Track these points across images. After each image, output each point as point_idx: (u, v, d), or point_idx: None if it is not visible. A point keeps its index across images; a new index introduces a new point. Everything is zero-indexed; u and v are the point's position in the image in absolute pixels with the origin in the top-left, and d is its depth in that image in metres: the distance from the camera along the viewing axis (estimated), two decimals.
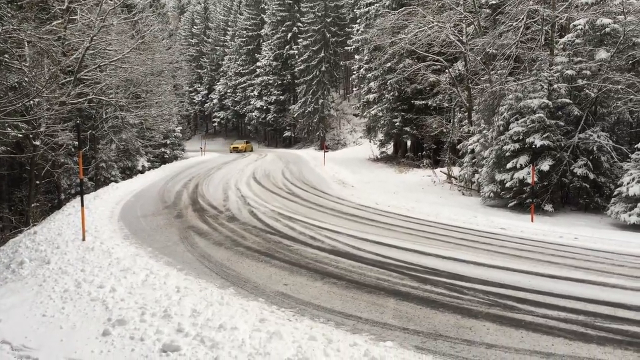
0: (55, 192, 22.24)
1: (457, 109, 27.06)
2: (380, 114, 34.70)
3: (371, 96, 35.80)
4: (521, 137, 16.21)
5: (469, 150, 21.08)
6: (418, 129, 30.62)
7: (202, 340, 5.66)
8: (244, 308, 6.77)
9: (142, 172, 29.77)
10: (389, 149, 38.46)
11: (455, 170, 23.85)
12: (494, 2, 23.02)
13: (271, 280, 8.23)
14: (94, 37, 16.82)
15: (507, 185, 16.37)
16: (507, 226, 13.19)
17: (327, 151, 39.09)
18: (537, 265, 9.02)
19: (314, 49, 55.72)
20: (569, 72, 16.44)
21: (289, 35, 62.11)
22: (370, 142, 39.29)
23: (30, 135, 17.17)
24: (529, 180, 15.43)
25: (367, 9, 37.04)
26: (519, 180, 15.96)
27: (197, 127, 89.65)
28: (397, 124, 32.69)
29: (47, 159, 18.97)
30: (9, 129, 15.41)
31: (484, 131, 19.29)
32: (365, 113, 37.79)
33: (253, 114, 65.19)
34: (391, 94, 32.57)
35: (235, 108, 72.16)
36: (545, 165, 15.68)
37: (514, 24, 19.55)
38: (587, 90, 16.45)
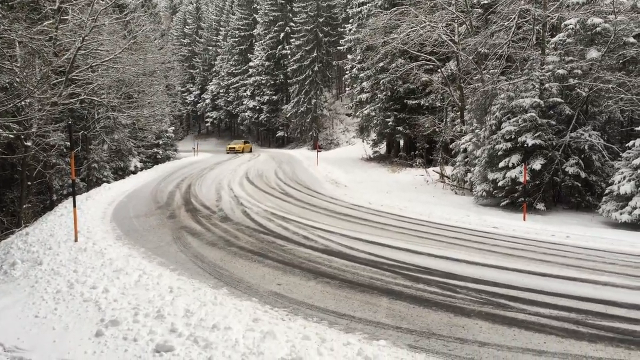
0: (47, 193, 22.12)
1: (449, 108, 27.14)
2: (373, 113, 34.74)
3: (364, 96, 35.83)
4: (513, 136, 16.29)
5: (461, 150, 21.15)
6: (411, 128, 30.68)
7: (196, 340, 5.66)
8: (237, 308, 6.77)
9: (134, 172, 29.67)
10: (382, 148, 38.52)
11: (448, 170, 23.92)
12: (485, 1, 23.12)
13: (264, 280, 8.23)
14: (86, 38, 16.73)
15: (500, 184, 16.44)
16: (500, 225, 13.24)
17: (320, 151, 39.08)
18: (529, 264, 9.07)
19: (306, 48, 55.71)
20: (561, 71, 16.53)
21: (282, 35, 62.08)
22: (363, 141, 39.34)
23: (22, 136, 17.07)
24: (521, 179, 15.50)
25: (359, 9, 37.09)
26: (511, 179, 16.03)
27: (189, 128, 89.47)
28: (390, 123, 32.74)
29: (39, 159, 18.86)
30: (0, 130, 15.32)
31: (476, 130, 19.36)
32: (358, 113, 37.82)
33: (246, 114, 65.11)
34: (384, 93, 32.62)
35: (228, 108, 72.08)
36: (537, 164, 15.76)
37: (506, 23, 19.64)
38: (578, 90, 16.55)
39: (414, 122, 29.08)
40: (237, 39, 70.80)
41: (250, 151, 51.43)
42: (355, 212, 15.07)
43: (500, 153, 16.58)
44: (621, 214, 13.80)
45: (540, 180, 16.15)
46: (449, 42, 23.26)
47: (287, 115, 57.55)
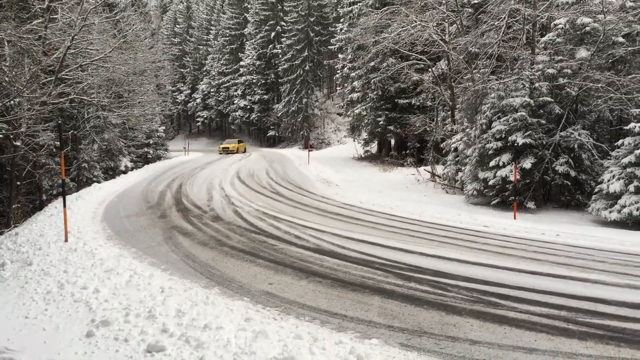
0: (36, 193, 21.95)
1: (440, 107, 27.25)
2: (364, 113, 34.78)
3: (355, 95, 35.87)
4: (503, 136, 16.37)
5: (452, 149, 21.22)
6: (402, 127, 30.74)
7: (187, 340, 5.64)
8: (229, 307, 6.76)
9: (125, 172, 29.52)
10: (373, 147, 38.57)
11: (439, 169, 24.00)
12: (476, 1, 23.18)
13: (256, 279, 8.22)
14: (75, 37, 16.64)
15: (490, 183, 16.52)
16: (490, 224, 13.30)
17: (311, 150, 39.07)
18: (519, 262, 9.12)
19: (297, 48, 55.67)
20: (550, 70, 16.63)
21: (273, 34, 62.00)
22: (354, 141, 39.38)
23: (11, 136, 16.93)
24: (512, 178, 15.58)
25: (350, 8, 37.13)
26: (502, 178, 16.11)
27: (180, 127, 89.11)
28: (381, 122, 32.79)
29: (28, 159, 18.72)
30: None
31: (467, 130, 19.43)
32: (349, 112, 37.88)
33: (237, 113, 64.98)
34: (375, 93, 32.66)
35: (219, 107, 71.85)
36: (527, 163, 15.85)
37: (496, 23, 19.71)
38: (568, 89, 16.65)
39: (405, 122, 29.14)
40: (227, 38, 70.63)
41: (245, 151, 48.01)
42: (346, 211, 15.08)
43: (490, 152, 16.66)
44: (610, 212, 13.91)
45: (530, 179, 16.24)
46: (440, 41, 23.33)
47: (279, 115, 57.47)
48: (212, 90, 73.38)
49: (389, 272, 8.45)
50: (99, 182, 24.67)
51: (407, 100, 30.50)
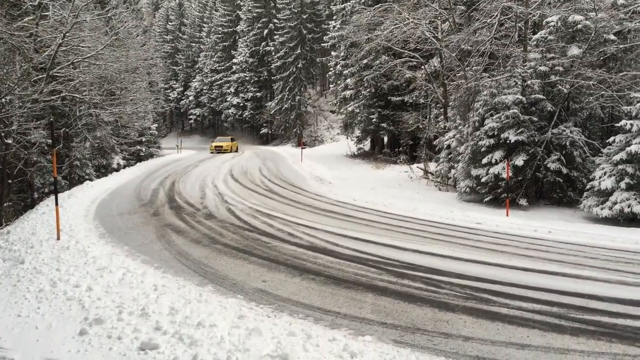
0: (28, 191, 21.85)
1: (433, 105, 27.28)
2: (357, 110, 34.76)
3: (348, 93, 35.84)
4: (496, 133, 16.42)
5: (445, 146, 21.27)
6: (395, 125, 30.77)
7: (181, 338, 5.64)
8: (222, 305, 6.76)
9: (117, 170, 29.42)
10: (366, 145, 38.58)
11: (432, 166, 24.04)
12: None
13: (250, 277, 8.22)
14: (67, 34, 16.56)
15: (483, 180, 16.57)
16: (483, 221, 13.35)
17: (304, 148, 39.03)
18: (512, 259, 9.17)
19: (290, 45, 55.55)
20: (542, 68, 16.68)
21: (265, 31, 61.83)
22: (347, 138, 39.38)
23: (2, 134, 16.84)
24: (504, 175, 15.64)
25: (343, 6, 37.05)
26: (494, 175, 16.16)
27: (173, 125, 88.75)
28: (374, 120, 32.80)
29: (20, 157, 18.61)
30: None
31: (460, 127, 19.48)
32: (342, 109, 37.84)
33: (229, 110, 64.77)
34: (368, 90, 32.66)
35: (212, 105, 71.60)
36: (519, 160, 15.91)
37: (488, 20, 19.76)
38: (559, 86, 16.72)
39: (398, 119, 29.18)
40: (220, 36, 70.36)
41: (236, 150, 45.85)
42: (339, 209, 15.09)
43: (483, 149, 16.70)
44: (602, 209, 13.98)
45: (522, 176, 16.30)
46: (432, 39, 23.35)
47: (271, 112, 57.36)
48: (204, 87, 73.10)
49: (382, 269, 8.48)
50: (91, 180, 24.57)
51: (400, 98, 30.51)
